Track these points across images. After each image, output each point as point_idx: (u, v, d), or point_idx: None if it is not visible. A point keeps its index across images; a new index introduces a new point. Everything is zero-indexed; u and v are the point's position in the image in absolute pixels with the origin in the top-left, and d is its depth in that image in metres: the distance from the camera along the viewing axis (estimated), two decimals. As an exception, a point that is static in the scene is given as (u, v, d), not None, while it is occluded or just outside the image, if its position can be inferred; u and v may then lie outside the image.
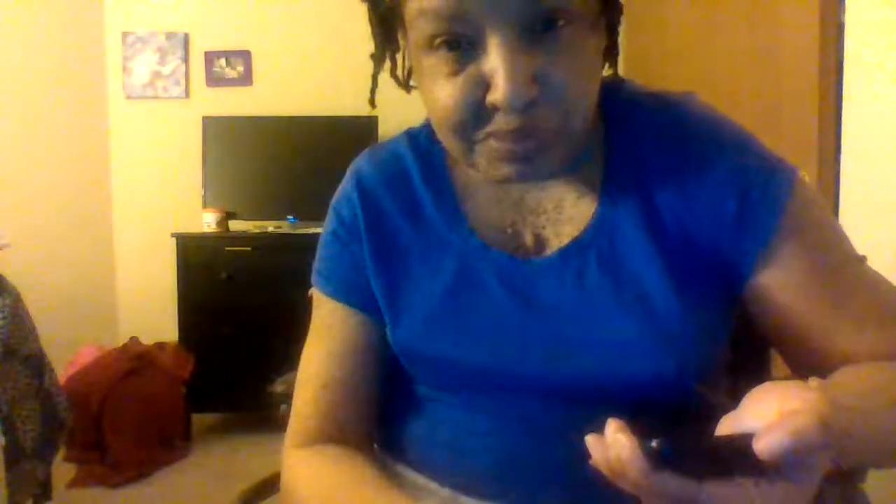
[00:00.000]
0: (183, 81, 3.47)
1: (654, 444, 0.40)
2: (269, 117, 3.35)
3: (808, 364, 0.64)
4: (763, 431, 0.39)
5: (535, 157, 0.58)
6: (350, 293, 0.72)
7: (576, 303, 0.63)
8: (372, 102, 0.67)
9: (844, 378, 0.58)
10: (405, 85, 0.67)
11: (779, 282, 0.61)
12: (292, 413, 0.74)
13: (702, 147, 0.63)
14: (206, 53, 3.47)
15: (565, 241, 0.66)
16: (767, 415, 0.41)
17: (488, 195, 0.69)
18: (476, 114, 0.56)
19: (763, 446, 0.39)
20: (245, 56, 3.47)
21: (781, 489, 0.40)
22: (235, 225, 3.26)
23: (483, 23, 0.53)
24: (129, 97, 3.48)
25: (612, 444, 0.41)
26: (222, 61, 3.47)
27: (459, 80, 0.56)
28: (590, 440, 0.43)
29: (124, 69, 3.46)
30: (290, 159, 3.29)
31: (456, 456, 0.66)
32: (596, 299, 0.63)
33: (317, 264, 0.75)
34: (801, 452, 0.39)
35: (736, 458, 0.40)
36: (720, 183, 0.62)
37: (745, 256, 0.62)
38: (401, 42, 0.63)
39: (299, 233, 3.04)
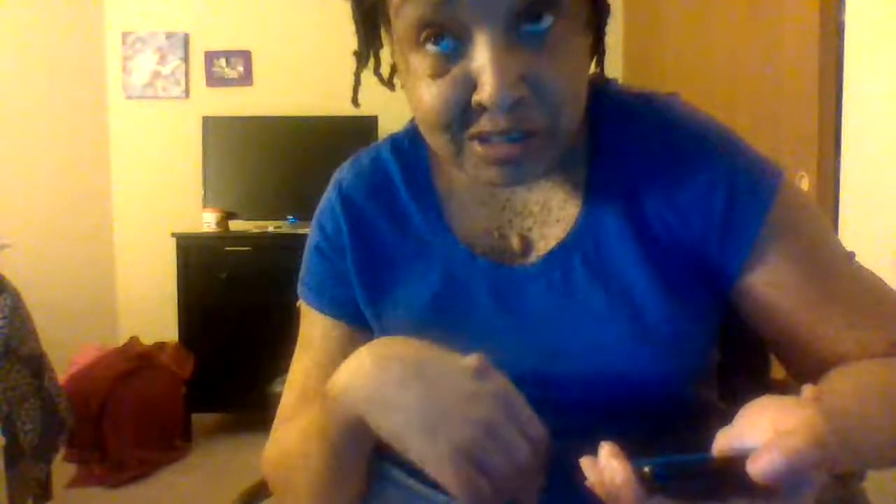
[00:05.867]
0: (183, 81, 3.47)
1: (646, 469, 0.40)
2: (269, 117, 3.35)
3: (800, 364, 0.64)
4: (758, 453, 0.39)
5: (522, 160, 0.57)
6: (334, 306, 0.72)
7: (563, 307, 0.63)
8: (355, 101, 0.66)
9: (838, 382, 0.57)
10: (389, 83, 0.66)
11: (766, 282, 0.61)
12: (276, 417, 0.74)
13: (687, 148, 0.63)
14: (206, 53, 3.47)
15: (552, 243, 0.65)
16: (762, 433, 0.41)
17: (474, 198, 0.69)
18: (462, 114, 0.55)
19: (758, 469, 0.38)
20: (245, 56, 3.47)
21: None
22: (235, 225, 3.26)
23: (470, 18, 0.52)
24: (129, 97, 3.48)
25: (606, 470, 0.41)
26: (222, 61, 3.47)
27: (445, 80, 0.55)
28: (584, 463, 0.43)
29: (124, 69, 3.46)
30: (290, 159, 3.29)
31: None
32: (583, 303, 0.62)
33: (302, 276, 0.75)
34: (796, 473, 0.38)
35: (730, 479, 0.40)
36: (706, 184, 0.61)
37: (731, 257, 0.61)
38: (384, 41, 0.62)
39: (299, 233, 3.04)
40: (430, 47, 0.54)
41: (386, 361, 0.55)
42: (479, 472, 0.50)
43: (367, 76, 0.66)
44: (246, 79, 3.48)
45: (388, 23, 0.59)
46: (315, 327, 0.73)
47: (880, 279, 0.65)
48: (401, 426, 0.52)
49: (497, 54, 0.52)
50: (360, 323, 0.71)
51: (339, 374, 0.58)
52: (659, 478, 0.39)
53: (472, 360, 0.53)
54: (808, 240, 0.63)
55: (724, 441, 0.44)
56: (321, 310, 0.73)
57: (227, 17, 3.48)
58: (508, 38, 0.53)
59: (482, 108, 0.54)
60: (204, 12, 3.47)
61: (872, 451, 0.52)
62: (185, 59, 3.47)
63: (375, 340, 0.59)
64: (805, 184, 1.82)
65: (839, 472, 0.47)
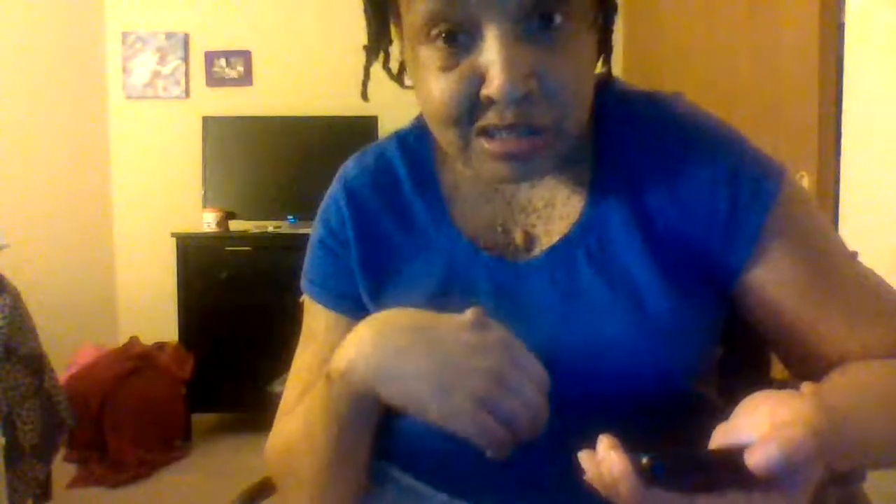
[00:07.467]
0: (183, 81, 3.47)
1: (644, 460, 0.40)
2: (269, 117, 3.35)
3: (802, 363, 0.64)
4: (755, 445, 0.39)
5: (529, 157, 0.57)
6: (337, 300, 0.72)
7: (566, 302, 0.63)
8: (364, 95, 0.67)
9: (837, 381, 0.57)
10: (398, 78, 0.66)
11: (768, 280, 0.61)
12: (279, 411, 0.74)
13: (691, 146, 0.63)
14: (206, 53, 3.47)
15: (555, 238, 0.65)
16: (759, 426, 0.41)
17: (478, 194, 0.69)
18: (470, 107, 0.56)
19: (755, 461, 0.39)
20: (245, 56, 3.47)
21: (775, 501, 0.40)
22: (235, 225, 3.26)
23: (480, 13, 0.53)
24: (129, 97, 3.48)
25: (604, 462, 0.41)
26: (222, 61, 3.47)
27: (454, 73, 0.55)
28: (582, 456, 0.43)
29: (124, 69, 3.46)
30: (290, 159, 3.29)
31: (449, 461, 0.65)
32: (586, 297, 0.63)
33: (305, 271, 0.75)
34: (793, 465, 0.39)
35: (728, 471, 0.40)
36: (709, 182, 0.62)
37: (734, 255, 0.61)
38: (394, 36, 0.63)
39: (299, 233, 3.04)
40: (440, 41, 0.55)
41: (386, 334, 0.57)
42: (497, 420, 0.52)
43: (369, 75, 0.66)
44: (246, 79, 3.48)
45: (398, 17, 0.59)
46: (318, 321, 0.73)
47: (882, 279, 0.65)
48: (414, 392, 0.54)
49: (506, 48, 0.53)
50: (363, 316, 0.71)
51: (341, 355, 0.59)
52: (657, 469, 0.39)
53: (468, 314, 0.55)
54: (812, 238, 0.63)
55: (722, 435, 0.44)
56: (324, 304, 0.73)
57: (227, 17, 3.48)
58: (518, 33, 0.54)
59: (490, 102, 0.55)
60: (204, 12, 3.47)
61: (870, 448, 0.52)
62: (185, 59, 3.47)
63: (368, 318, 0.60)
64: (805, 183, 1.82)
65: (838, 471, 0.47)
